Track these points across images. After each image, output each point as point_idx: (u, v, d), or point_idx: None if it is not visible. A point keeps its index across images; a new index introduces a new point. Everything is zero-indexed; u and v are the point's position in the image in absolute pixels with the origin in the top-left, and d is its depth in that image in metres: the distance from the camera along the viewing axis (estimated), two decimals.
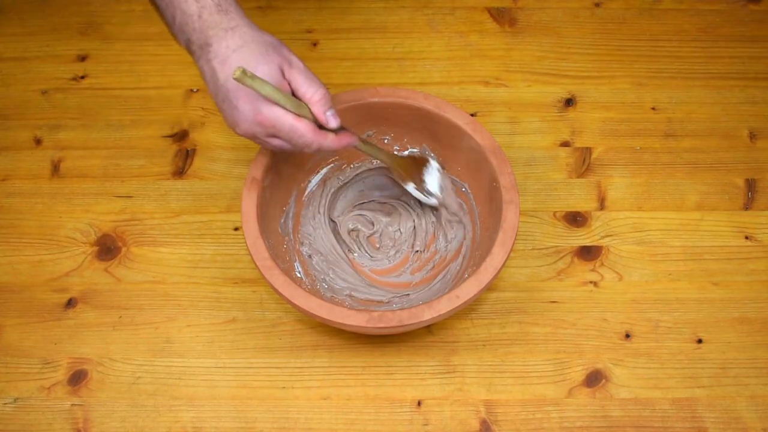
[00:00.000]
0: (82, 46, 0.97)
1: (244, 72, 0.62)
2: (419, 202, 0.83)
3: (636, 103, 0.92)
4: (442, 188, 0.80)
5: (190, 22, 0.66)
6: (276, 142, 0.68)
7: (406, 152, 0.83)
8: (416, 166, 0.80)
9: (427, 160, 0.81)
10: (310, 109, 0.67)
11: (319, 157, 0.82)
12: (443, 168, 0.81)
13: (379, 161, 0.82)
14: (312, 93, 0.66)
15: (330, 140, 0.69)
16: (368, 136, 0.82)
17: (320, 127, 0.68)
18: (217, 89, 0.66)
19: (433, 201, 0.81)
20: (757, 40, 0.96)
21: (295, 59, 0.67)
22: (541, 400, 0.75)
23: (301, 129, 0.66)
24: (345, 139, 0.71)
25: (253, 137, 0.68)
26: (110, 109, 0.92)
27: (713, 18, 0.98)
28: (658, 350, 0.77)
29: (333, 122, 0.68)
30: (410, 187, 0.80)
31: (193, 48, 0.67)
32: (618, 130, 0.90)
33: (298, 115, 0.66)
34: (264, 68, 0.65)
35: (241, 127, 0.67)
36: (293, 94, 0.67)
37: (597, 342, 0.78)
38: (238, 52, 0.65)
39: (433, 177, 0.80)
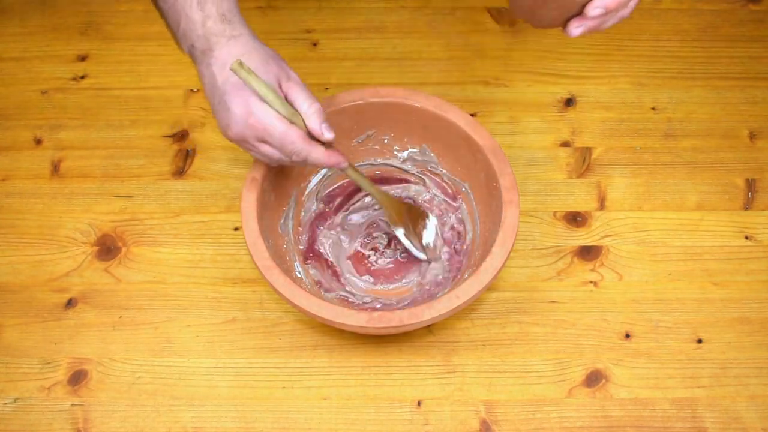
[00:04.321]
0: (82, 46, 0.97)
1: (241, 64, 0.63)
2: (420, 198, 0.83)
3: (636, 103, 0.92)
4: (435, 246, 0.80)
5: (195, 29, 0.67)
6: (265, 148, 0.68)
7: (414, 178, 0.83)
8: (411, 214, 0.80)
9: (427, 215, 0.80)
10: (304, 120, 0.67)
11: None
12: (439, 224, 0.81)
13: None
14: (309, 105, 0.67)
15: (320, 152, 0.69)
16: (364, 142, 0.82)
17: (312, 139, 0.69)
18: (214, 92, 0.67)
19: (422, 255, 0.80)
20: (757, 40, 0.96)
21: (293, 74, 0.69)
22: (541, 400, 0.75)
23: (293, 135, 0.67)
24: (334, 157, 0.70)
25: (242, 141, 0.68)
26: (110, 109, 0.92)
27: (713, 18, 0.98)
28: (658, 350, 0.77)
29: (327, 134, 0.68)
30: (400, 233, 0.79)
31: (195, 53, 0.68)
32: (618, 130, 0.90)
33: (290, 122, 0.67)
34: (262, 76, 0.66)
35: (232, 129, 0.67)
36: None
37: (597, 342, 0.78)
38: (232, 61, 0.66)
39: (430, 232, 0.80)
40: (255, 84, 0.64)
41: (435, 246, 0.80)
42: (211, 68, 0.67)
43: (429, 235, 0.80)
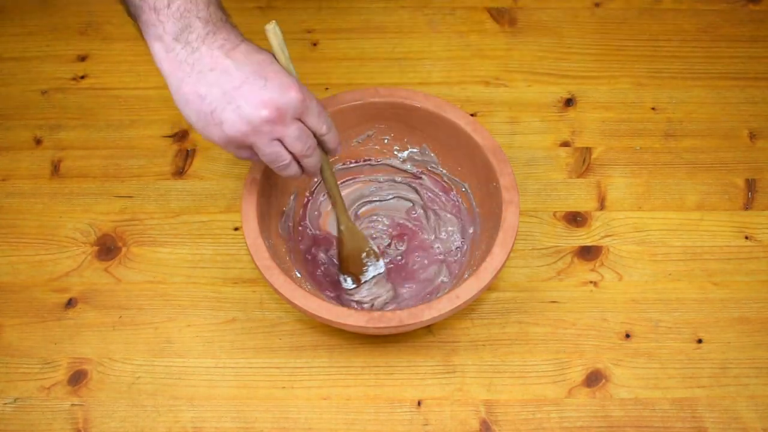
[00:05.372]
0: (82, 46, 0.97)
1: (277, 25, 0.60)
2: (420, 199, 0.84)
3: (636, 103, 0.92)
4: (374, 283, 0.78)
5: (195, 10, 0.62)
6: (296, 126, 0.64)
7: (405, 154, 0.83)
8: (363, 245, 0.77)
9: (379, 257, 0.78)
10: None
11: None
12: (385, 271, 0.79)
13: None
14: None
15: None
16: (368, 136, 0.82)
17: None
18: (228, 78, 0.62)
19: (349, 283, 0.78)
20: (757, 40, 0.96)
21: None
22: (541, 400, 0.75)
23: (320, 101, 0.66)
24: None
25: (277, 121, 0.63)
26: (110, 109, 0.92)
27: (713, 18, 0.98)
28: (658, 350, 0.77)
29: None
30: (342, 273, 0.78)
31: (190, 38, 0.62)
32: (618, 130, 0.90)
33: None
34: None
35: (270, 107, 0.62)
36: None
37: (597, 342, 0.78)
38: (246, 43, 0.64)
39: (371, 270, 0.78)
40: (281, 51, 0.62)
41: (375, 283, 0.79)
42: (217, 51, 0.62)
43: (370, 273, 0.78)
